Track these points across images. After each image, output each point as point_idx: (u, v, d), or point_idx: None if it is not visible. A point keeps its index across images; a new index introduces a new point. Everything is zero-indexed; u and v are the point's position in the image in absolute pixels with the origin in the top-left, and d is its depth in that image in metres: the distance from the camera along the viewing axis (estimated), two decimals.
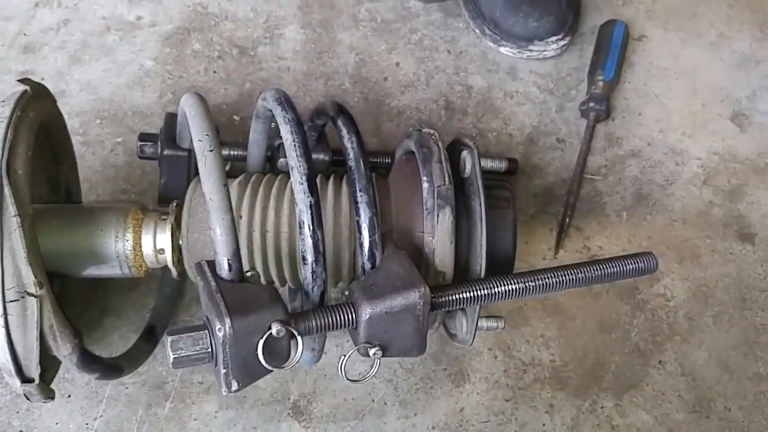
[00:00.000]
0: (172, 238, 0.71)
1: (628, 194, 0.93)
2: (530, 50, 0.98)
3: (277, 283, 0.75)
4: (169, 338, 0.57)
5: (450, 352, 0.83)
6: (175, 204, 0.73)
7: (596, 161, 0.95)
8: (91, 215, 0.71)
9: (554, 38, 0.97)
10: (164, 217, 0.72)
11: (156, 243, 0.71)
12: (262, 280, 0.73)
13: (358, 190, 0.64)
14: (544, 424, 0.80)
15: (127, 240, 0.70)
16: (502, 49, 1.00)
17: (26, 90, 0.64)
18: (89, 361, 0.64)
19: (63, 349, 0.61)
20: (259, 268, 0.72)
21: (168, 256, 0.71)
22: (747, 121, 0.99)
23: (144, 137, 0.83)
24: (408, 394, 0.81)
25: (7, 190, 0.58)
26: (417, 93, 0.97)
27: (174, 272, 0.73)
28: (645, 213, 0.92)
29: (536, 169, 0.93)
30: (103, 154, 0.91)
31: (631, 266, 0.70)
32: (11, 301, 0.58)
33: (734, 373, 0.84)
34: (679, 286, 0.88)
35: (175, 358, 0.57)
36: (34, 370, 0.60)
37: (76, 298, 0.79)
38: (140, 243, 0.71)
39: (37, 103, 0.65)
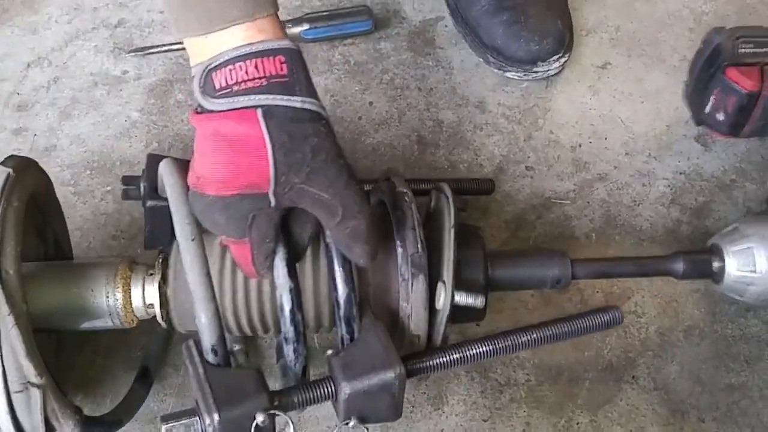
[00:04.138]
0: (159, 293, 0.74)
1: (596, 216, 0.96)
2: (535, 72, 1.04)
3: (261, 333, 0.78)
4: (163, 426, 0.61)
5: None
6: (161, 260, 0.76)
7: (564, 186, 0.98)
8: (81, 274, 0.75)
9: (555, 57, 1.03)
10: (151, 272, 0.75)
11: (145, 299, 0.75)
12: (248, 331, 0.76)
13: (335, 267, 0.68)
14: None
15: (117, 298, 0.74)
16: (508, 74, 1.05)
17: (9, 174, 0.67)
18: (91, 427, 0.69)
19: (66, 427, 0.66)
20: (244, 323, 0.75)
21: (157, 311, 0.75)
22: (711, 140, 1.03)
23: (127, 180, 0.86)
24: None
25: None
26: (390, 130, 1.02)
27: (164, 325, 0.76)
28: (614, 234, 0.95)
29: (507, 197, 0.97)
30: (93, 203, 0.96)
31: (598, 321, 0.74)
32: (16, 392, 0.64)
33: (707, 385, 0.86)
34: (649, 303, 0.91)
35: None
36: None
37: (72, 344, 0.83)
38: (130, 300, 0.74)
39: (22, 185, 0.69)
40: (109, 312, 0.74)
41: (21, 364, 0.63)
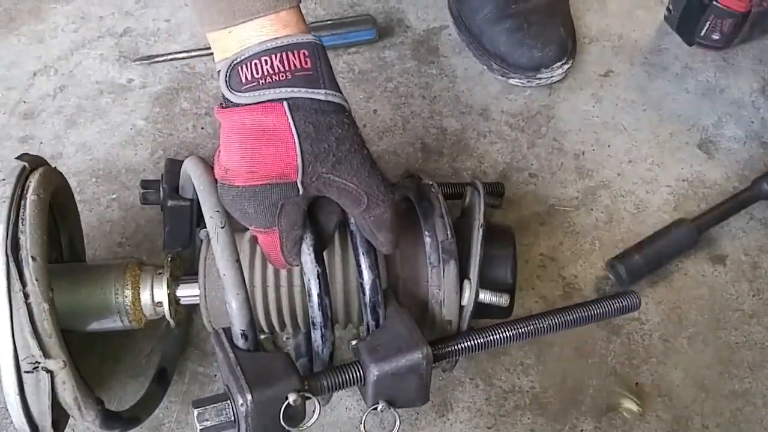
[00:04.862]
0: (168, 291, 0.75)
1: (600, 224, 0.97)
2: (538, 78, 1.04)
3: (291, 331, 0.79)
4: (195, 411, 0.62)
5: (433, 384, 0.86)
6: (169, 258, 0.77)
7: (568, 193, 0.99)
8: (91, 274, 0.76)
9: (558, 64, 1.04)
10: (160, 271, 0.76)
11: (154, 297, 0.76)
12: (278, 328, 0.78)
13: (360, 254, 0.69)
14: None
15: (126, 296, 0.75)
16: (512, 81, 1.06)
17: (24, 166, 0.69)
18: (111, 421, 0.70)
19: (88, 417, 0.67)
20: (275, 320, 0.76)
21: (165, 309, 0.76)
22: (714, 148, 1.03)
23: (146, 184, 0.87)
24: (393, 426, 0.84)
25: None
26: (394, 138, 1.02)
27: (172, 323, 0.77)
28: (617, 241, 0.96)
29: (510, 203, 0.98)
30: (99, 211, 0.96)
31: (617, 305, 0.76)
32: (26, 372, 0.64)
33: (710, 391, 0.86)
34: (653, 310, 0.91)
35: (201, 429, 0.61)
36: (48, 429, 0.67)
37: (81, 349, 0.84)
38: (139, 298, 0.75)
39: (48, 180, 0.70)
40: (118, 310, 0.75)
41: (29, 344, 0.63)
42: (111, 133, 1.02)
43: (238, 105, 0.60)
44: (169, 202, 0.80)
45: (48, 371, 0.64)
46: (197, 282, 0.75)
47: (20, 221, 0.65)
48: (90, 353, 0.86)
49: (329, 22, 1.09)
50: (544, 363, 0.88)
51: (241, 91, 0.60)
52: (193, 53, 1.08)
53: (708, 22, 1.05)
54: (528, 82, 1.05)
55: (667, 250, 0.92)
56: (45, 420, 0.66)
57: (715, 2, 1.02)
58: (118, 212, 0.96)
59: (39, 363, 0.64)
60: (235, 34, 0.60)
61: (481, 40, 1.06)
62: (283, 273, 0.74)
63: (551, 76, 1.04)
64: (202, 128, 1.03)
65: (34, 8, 1.14)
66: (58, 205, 0.81)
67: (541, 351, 0.88)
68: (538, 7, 1.04)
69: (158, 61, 1.08)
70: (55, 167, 0.76)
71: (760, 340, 0.89)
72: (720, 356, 0.88)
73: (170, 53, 1.08)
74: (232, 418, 0.61)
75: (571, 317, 0.74)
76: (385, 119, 1.04)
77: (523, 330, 0.72)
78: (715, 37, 1.06)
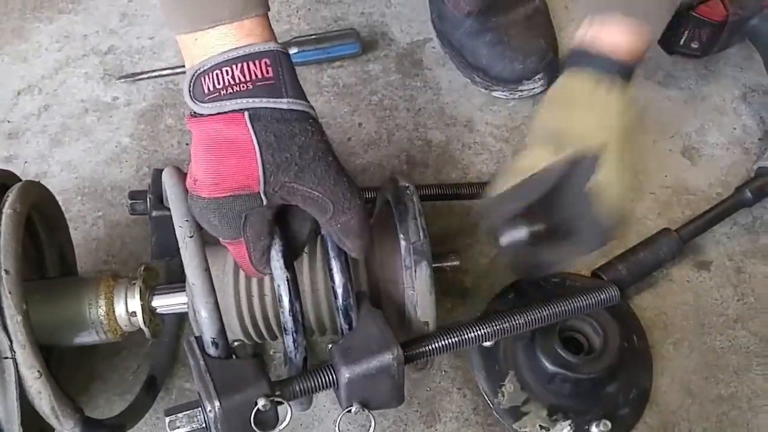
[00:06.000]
0: (141, 301, 0.76)
1: None
2: (521, 90, 1.05)
3: (268, 339, 0.80)
4: (167, 419, 0.62)
5: (421, 394, 0.86)
6: (142, 268, 0.77)
7: None
8: (65, 288, 0.76)
9: (540, 75, 1.05)
10: (133, 282, 0.77)
11: (128, 307, 0.76)
12: (259, 338, 0.78)
13: (331, 258, 0.69)
14: None
15: (100, 308, 0.75)
16: (495, 93, 1.06)
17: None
18: (92, 428, 0.69)
19: (66, 425, 0.67)
20: (250, 330, 0.77)
21: (139, 318, 0.76)
22: (697, 155, 1.04)
23: (134, 195, 0.87)
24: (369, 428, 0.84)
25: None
26: (380, 150, 1.03)
27: (147, 333, 0.77)
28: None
29: None
30: (84, 229, 0.96)
31: (594, 299, 0.77)
32: None
33: (697, 396, 0.87)
34: (638, 316, 0.92)
35: None
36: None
37: (65, 365, 0.84)
38: (113, 309, 0.76)
39: (26, 193, 0.70)
40: (93, 323, 0.75)
41: None
42: (96, 151, 1.02)
43: (203, 115, 0.61)
44: (154, 212, 0.81)
45: (13, 360, 0.63)
46: (175, 291, 0.76)
47: None
48: (76, 372, 0.86)
49: (313, 37, 1.09)
50: None
51: (204, 102, 0.60)
52: (177, 70, 1.08)
53: (687, 32, 1.06)
54: (510, 94, 1.06)
55: (651, 261, 0.92)
56: (12, 420, 0.65)
57: (692, 12, 1.04)
58: (104, 230, 0.96)
59: (4, 356, 0.63)
60: (200, 42, 0.61)
61: (462, 54, 1.07)
62: (266, 281, 0.75)
63: (533, 88, 1.05)
64: (187, 144, 1.03)
65: (17, 27, 1.14)
66: (45, 218, 0.81)
67: None
68: (517, 20, 1.05)
69: (143, 79, 1.08)
70: (39, 181, 0.76)
71: (745, 344, 0.90)
72: (706, 361, 0.89)
73: (154, 70, 1.09)
74: (204, 425, 0.61)
75: (547, 312, 0.74)
76: (370, 132, 1.04)
77: (497, 327, 0.72)
78: (694, 45, 1.07)
